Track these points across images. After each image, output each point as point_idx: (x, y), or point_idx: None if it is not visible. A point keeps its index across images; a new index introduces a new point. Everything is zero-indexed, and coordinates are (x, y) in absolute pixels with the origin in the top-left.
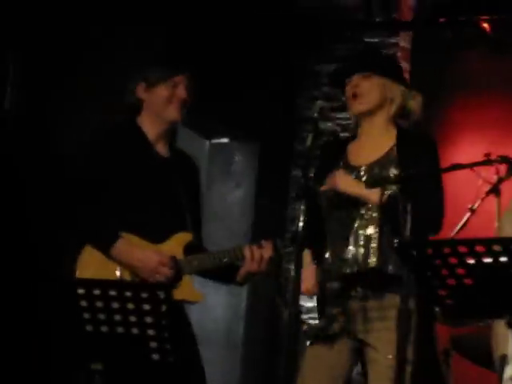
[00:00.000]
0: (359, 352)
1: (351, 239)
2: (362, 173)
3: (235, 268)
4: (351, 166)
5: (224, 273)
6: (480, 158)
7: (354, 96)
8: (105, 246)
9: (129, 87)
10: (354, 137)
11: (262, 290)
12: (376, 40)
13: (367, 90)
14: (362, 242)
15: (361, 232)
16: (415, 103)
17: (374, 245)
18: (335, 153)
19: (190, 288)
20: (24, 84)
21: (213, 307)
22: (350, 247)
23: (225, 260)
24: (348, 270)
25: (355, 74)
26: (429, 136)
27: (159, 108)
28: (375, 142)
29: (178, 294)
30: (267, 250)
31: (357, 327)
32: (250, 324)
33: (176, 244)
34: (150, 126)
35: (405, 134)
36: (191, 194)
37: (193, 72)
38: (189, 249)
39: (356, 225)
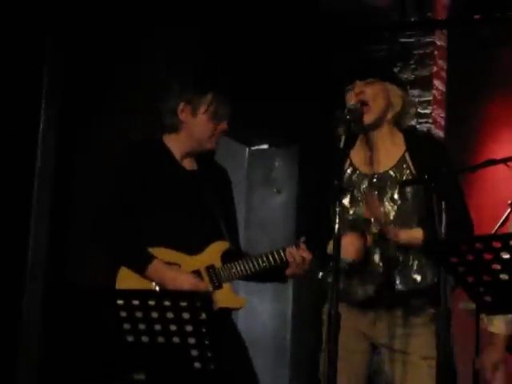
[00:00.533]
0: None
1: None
2: (375, 180)
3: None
4: (362, 174)
5: (266, 274)
6: None
7: (362, 104)
8: (139, 269)
9: (169, 106)
10: (350, 142)
11: (307, 294)
12: (412, 40)
13: (372, 96)
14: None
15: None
16: (412, 108)
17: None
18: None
19: (231, 295)
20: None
21: (259, 314)
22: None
23: (263, 265)
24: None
25: (357, 81)
26: (436, 137)
27: (201, 137)
28: (385, 148)
29: (220, 302)
30: (305, 251)
31: (381, 333)
32: (297, 329)
33: (213, 253)
34: (179, 146)
35: (413, 138)
36: (224, 202)
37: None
38: (226, 256)
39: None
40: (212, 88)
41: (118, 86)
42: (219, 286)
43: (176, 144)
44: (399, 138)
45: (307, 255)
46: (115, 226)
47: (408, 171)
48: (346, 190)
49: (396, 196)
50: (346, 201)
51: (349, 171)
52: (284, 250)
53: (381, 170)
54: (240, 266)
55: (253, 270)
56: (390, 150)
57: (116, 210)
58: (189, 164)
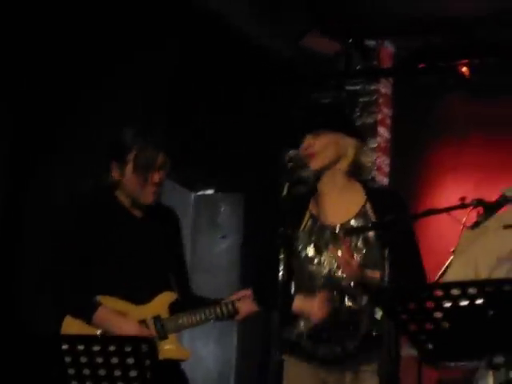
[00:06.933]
0: None
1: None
2: (337, 231)
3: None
4: (324, 226)
5: None
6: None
7: (310, 156)
8: (85, 317)
9: (106, 165)
10: (312, 191)
11: (251, 340)
12: (357, 87)
13: (320, 148)
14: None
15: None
16: (367, 158)
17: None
18: (298, 208)
19: (177, 346)
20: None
21: (203, 359)
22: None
23: (211, 317)
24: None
25: (307, 134)
26: (397, 191)
27: (133, 193)
28: (343, 199)
29: (165, 353)
30: (249, 303)
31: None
32: (241, 374)
33: (160, 304)
34: (124, 197)
35: (372, 190)
36: (173, 249)
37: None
38: (174, 307)
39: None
40: (136, 142)
41: (68, 132)
42: (165, 337)
43: (124, 197)
44: (358, 188)
45: (254, 307)
46: (61, 277)
47: (370, 222)
48: (294, 238)
49: (360, 244)
50: (310, 251)
51: (310, 223)
52: (231, 304)
53: (342, 221)
54: (187, 318)
55: (199, 322)
56: (348, 201)
57: (64, 260)
58: (138, 212)
